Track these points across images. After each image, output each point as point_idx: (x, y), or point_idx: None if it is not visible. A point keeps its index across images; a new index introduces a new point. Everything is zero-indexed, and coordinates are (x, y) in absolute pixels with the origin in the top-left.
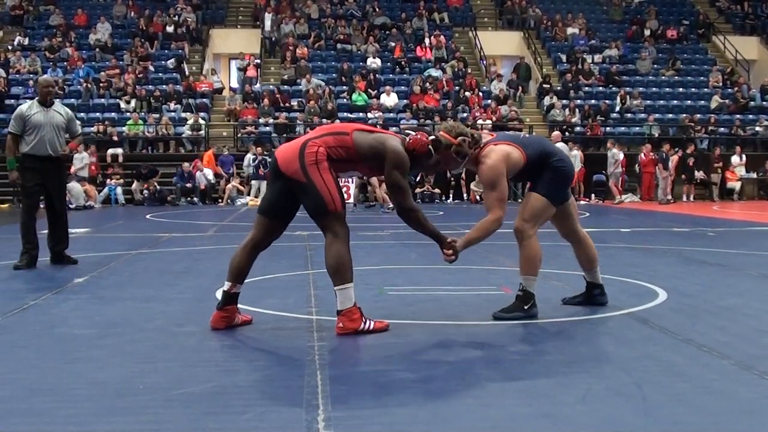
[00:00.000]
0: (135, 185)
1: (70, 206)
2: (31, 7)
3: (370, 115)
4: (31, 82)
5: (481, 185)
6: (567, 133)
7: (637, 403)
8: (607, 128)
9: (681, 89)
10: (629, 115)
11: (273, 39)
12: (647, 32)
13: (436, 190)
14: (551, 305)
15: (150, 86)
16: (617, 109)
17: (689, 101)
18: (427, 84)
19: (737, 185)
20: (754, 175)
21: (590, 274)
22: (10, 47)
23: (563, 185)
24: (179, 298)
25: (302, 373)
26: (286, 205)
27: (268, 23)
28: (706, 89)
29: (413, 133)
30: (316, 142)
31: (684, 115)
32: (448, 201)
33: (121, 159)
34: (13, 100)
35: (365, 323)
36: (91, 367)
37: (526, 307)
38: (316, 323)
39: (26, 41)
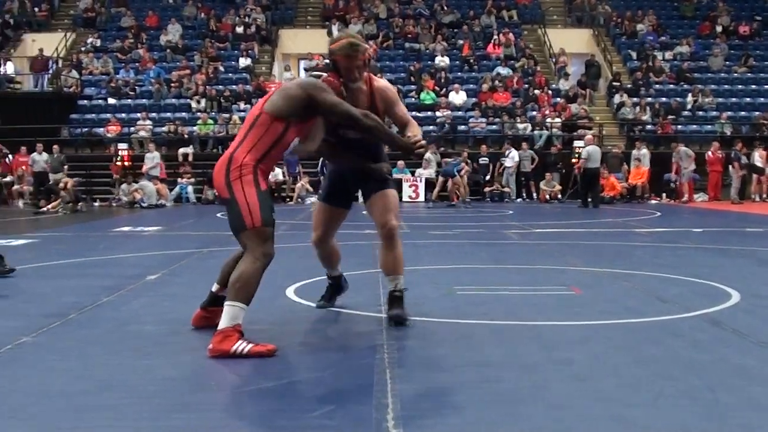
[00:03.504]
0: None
1: (143, 204)
2: (104, 9)
3: (438, 113)
4: (103, 83)
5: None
6: (637, 132)
7: (710, 407)
8: (679, 126)
9: (754, 86)
10: (701, 113)
11: None
12: (719, 28)
13: (506, 189)
14: (620, 306)
15: (220, 86)
16: (689, 107)
17: (762, 98)
18: (497, 82)
19: None
20: None
21: (335, 272)
22: (83, 49)
23: None
24: None
25: (372, 372)
26: None
27: (335, 31)
28: None
29: (324, 74)
30: (240, 152)
31: (757, 112)
32: (518, 200)
33: (191, 158)
34: (86, 101)
35: (239, 345)
36: (162, 363)
37: (404, 304)
38: (386, 322)
39: (98, 43)
